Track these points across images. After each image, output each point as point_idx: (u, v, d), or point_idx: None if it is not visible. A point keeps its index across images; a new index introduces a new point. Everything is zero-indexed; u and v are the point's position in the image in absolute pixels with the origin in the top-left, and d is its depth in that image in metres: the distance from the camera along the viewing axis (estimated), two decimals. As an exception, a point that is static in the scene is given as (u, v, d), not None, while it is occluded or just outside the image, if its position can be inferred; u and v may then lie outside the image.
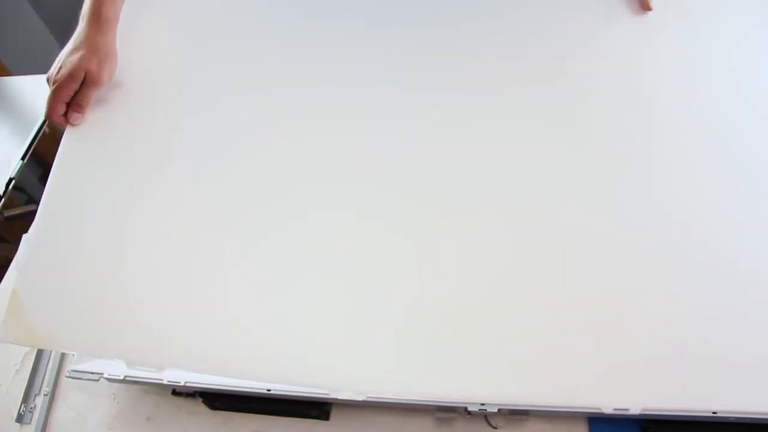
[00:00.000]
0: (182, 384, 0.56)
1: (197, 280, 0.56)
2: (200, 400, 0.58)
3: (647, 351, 0.52)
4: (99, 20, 0.65)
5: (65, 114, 0.63)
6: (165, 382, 0.56)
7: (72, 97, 0.62)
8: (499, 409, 0.51)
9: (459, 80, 0.65)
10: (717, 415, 0.47)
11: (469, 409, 0.51)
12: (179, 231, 0.59)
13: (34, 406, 0.63)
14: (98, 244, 0.58)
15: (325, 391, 0.52)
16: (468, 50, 0.67)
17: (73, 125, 0.64)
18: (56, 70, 0.63)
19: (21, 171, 0.84)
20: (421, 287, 0.55)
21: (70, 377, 0.59)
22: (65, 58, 0.63)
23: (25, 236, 0.73)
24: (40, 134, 0.88)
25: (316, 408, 0.57)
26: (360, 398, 0.51)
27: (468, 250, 0.56)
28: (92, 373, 0.58)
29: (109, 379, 0.57)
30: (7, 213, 0.82)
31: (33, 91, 0.99)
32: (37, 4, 1.43)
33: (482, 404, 0.51)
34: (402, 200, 0.59)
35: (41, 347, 0.66)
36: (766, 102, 0.60)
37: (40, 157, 0.87)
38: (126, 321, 0.55)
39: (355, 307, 0.56)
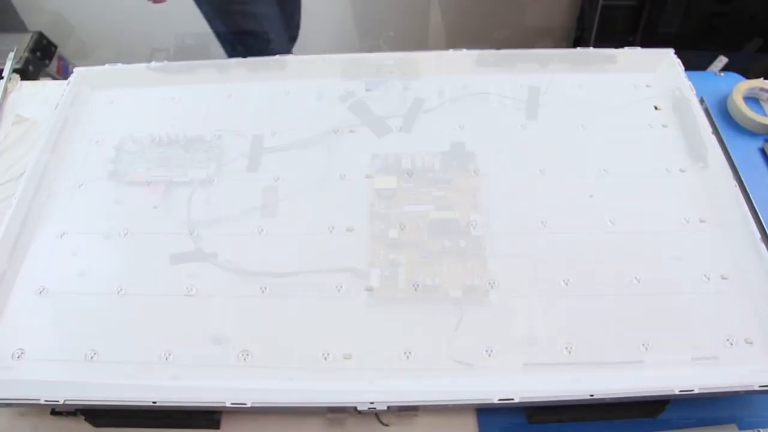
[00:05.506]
0: (61, 402, 0.52)
1: None
2: (82, 418, 0.55)
3: (528, 340, 0.54)
4: None
5: None
6: (42, 401, 0.52)
7: None
8: (388, 407, 0.51)
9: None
10: (594, 397, 0.49)
11: (359, 408, 0.50)
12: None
13: None
14: None
15: (213, 400, 0.51)
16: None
17: None
18: None
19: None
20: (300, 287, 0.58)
21: (-67, 404, 0.54)
22: None
23: None
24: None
25: (206, 417, 0.55)
26: (248, 404, 0.50)
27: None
28: (-41, 398, 0.54)
29: (-22, 404, 0.53)
30: None
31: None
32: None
33: (371, 403, 0.50)
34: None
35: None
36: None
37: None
38: None
39: (238, 312, 0.56)
